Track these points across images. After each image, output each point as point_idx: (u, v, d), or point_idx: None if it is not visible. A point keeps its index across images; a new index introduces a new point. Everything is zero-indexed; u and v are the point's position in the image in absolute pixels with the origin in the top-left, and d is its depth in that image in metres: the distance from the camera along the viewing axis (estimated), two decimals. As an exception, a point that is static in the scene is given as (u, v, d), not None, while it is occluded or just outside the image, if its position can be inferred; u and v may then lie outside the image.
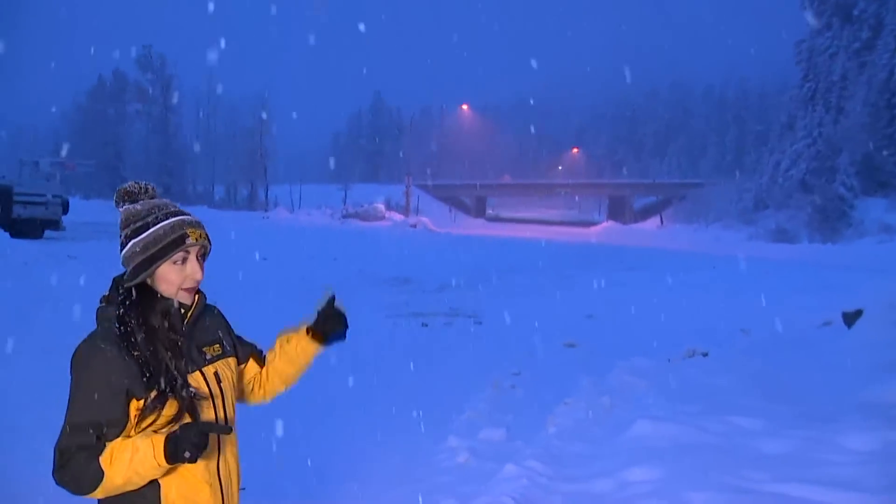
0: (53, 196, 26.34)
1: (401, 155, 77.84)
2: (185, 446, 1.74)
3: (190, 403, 1.87)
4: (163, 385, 1.83)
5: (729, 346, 9.25)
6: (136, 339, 1.84)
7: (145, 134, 68.39)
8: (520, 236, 44.93)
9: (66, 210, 26.86)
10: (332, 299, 2.21)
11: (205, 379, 1.96)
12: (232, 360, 2.10)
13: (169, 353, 1.88)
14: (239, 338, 2.20)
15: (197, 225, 1.97)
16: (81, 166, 45.04)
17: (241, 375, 2.20)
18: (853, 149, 43.50)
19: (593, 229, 63.02)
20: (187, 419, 1.86)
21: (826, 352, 7.67)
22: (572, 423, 6.10)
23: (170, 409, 1.84)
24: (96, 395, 1.80)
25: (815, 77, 51.34)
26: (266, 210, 62.10)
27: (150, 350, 1.84)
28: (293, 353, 2.23)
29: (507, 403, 6.89)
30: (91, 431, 1.78)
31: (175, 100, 67.68)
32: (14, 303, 9.78)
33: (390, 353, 8.86)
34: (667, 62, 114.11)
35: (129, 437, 1.81)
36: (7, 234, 19.10)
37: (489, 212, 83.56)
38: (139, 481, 1.81)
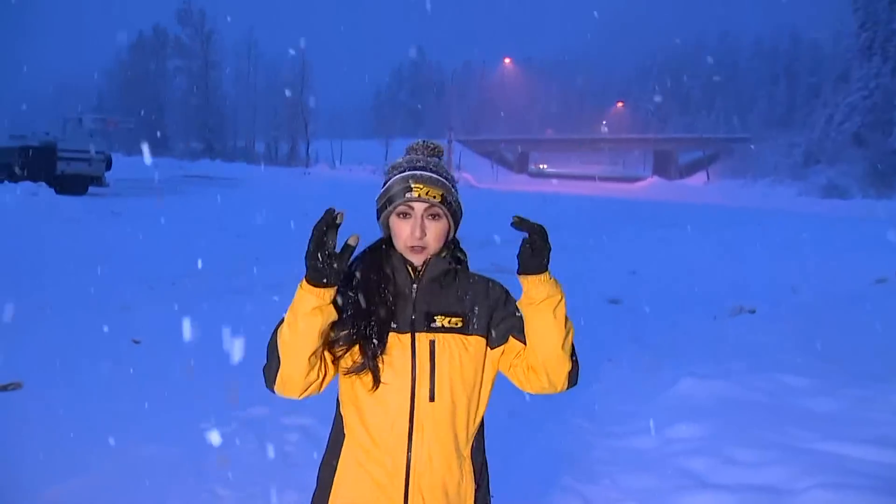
0: (97, 152, 26.71)
1: (442, 110, 77.40)
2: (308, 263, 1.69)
3: (371, 359, 1.80)
4: (353, 327, 1.81)
5: (777, 303, 9.09)
6: (356, 280, 1.85)
7: (186, 90, 68.86)
8: (563, 192, 44.54)
9: (109, 166, 27.25)
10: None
11: (412, 344, 1.85)
12: (474, 340, 1.89)
13: (380, 304, 1.84)
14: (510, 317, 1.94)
15: (429, 181, 1.86)
16: (123, 123, 45.58)
17: (500, 359, 1.96)
18: (911, 101, 42.15)
19: (638, 185, 62.32)
20: (368, 374, 1.82)
21: (879, 309, 7.50)
22: (615, 380, 6.08)
23: (355, 354, 1.83)
24: None
25: (872, 26, 49.52)
26: (307, 166, 62.30)
27: (361, 292, 1.83)
28: (524, 302, 1.89)
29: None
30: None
31: (215, 55, 67.88)
32: (60, 258, 9.99)
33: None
34: (715, 13, 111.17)
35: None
36: (52, 191, 19.51)
37: (532, 167, 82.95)
38: (295, 320, 1.72)
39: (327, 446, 1.95)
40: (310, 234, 1.68)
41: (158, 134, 64.44)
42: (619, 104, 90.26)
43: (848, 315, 7.69)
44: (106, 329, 6.72)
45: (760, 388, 5.33)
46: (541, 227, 1.85)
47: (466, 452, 1.92)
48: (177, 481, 3.99)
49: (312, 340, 1.73)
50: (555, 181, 61.39)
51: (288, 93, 62.58)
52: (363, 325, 1.81)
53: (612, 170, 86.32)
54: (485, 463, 2.00)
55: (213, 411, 4.71)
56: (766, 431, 4.43)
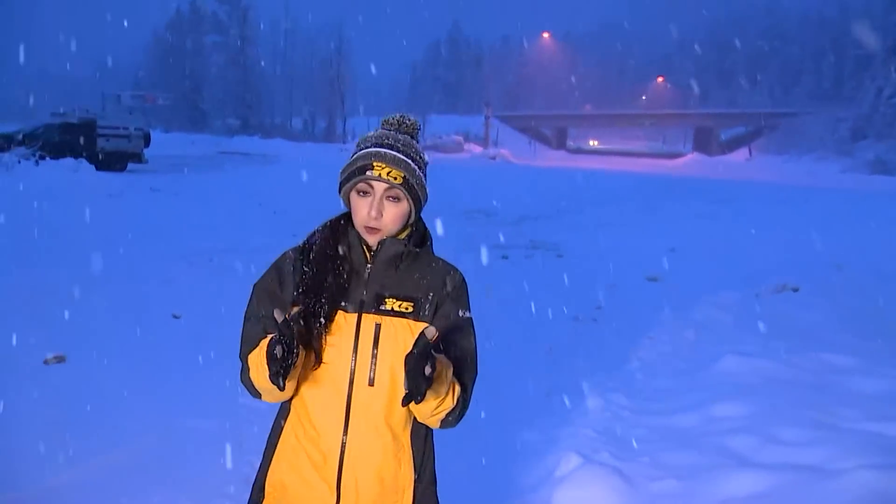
0: (136, 129, 27.05)
1: (479, 86, 76.92)
2: (269, 349, 1.62)
3: (304, 336, 1.71)
4: (303, 303, 1.77)
5: (821, 281, 8.90)
6: (311, 256, 1.82)
7: (223, 66, 69.13)
8: (602, 168, 44.14)
9: (147, 143, 27.57)
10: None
11: (357, 325, 1.79)
12: (423, 326, 1.73)
13: (333, 281, 1.80)
14: (457, 329, 1.85)
15: (392, 161, 1.79)
16: (161, 99, 46.01)
17: None
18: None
19: (678, 161, 61.53)
20: (311, 353, 1.77)
21: (927, 288, 7.33)
22: (656, 358, 6.03)
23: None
24: (259, 292, 1.86)
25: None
26: (344, 142, 62.38)
27: (314, 270, 1.80)
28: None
29: (589, 337, 6.83)
30: (252, 324, 1.83)
31: (252, 31, 68.06)
32: (101, 234, 10.12)
33: (470, 285, 8.84)
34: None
35: None
36: (92, 167, 19.79)
37: (570, 143, 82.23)
38: (265, 384, 1.71)
39: (274, 420, 1.93)
40: (274, 344, 1.62)
41: (195, 110, 65.04)
42: (660, 79, 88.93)
43: (894, 293, 7.52)
44: (146, 303, 6.81)
45: (804, 367, 5.24)
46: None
47: (405, 440, 1.87)
48: (217, 453, 4.03)
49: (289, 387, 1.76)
50: (594, 157, 60.84)
51: (325, 68, 62.57)
52: (312, 302, 1.76)
53: (652, 146, 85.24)
54: (428, 451, 1.92)
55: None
56: (809, 411, 4.35)
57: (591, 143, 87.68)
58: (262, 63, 72.53)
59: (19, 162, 18.64)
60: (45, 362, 5.38)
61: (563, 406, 4.87)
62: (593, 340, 6.77)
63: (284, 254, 1.89)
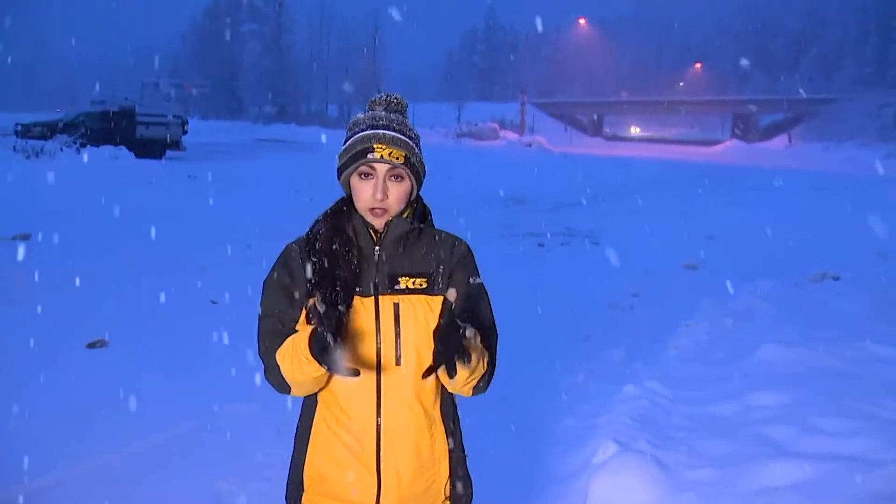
0: (174, 116, 27.33)
1: (515, 73, 76.46)
2: (313, 342, 1.64)
3: (334, 323, 1.65)
4: (318, 293, 1.75)
5: (863, 270, 8.75)
6: (318, 246, 1.82)
7: (259, 54, 69.50)
8: (638, 155, 43.75)
9: (185, 130, 27.83)
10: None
11: (376, 308, 1.81)
12: (439, 300, 1.84)
13: (344, 268, 1.79)
14: (471, 296, 1.85)
15: (392, 142, 1.81)
16: (198, 87, 46.43)
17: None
18: None
19: (716, 148, 60.69)
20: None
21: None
22: (693, 346, 5.97)
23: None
24: (271, 288, 1.85)
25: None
26: (379, 130, 62.32)
27: (324, 259, 1.79)
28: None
29: (625, 324, 6.80)
30: (272, 321, 1.82)
31: (288, 19, 68.31)
32: (141, 220, 10.27)
33: (506, 272, 8.84)
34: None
35: None
36: (132, 154, 20.06)
37: (606, 130, 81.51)
38: (302, 377, 1.74)
39: (301, 412, 1.93)
40: (316, 339, 1.63)
41: (232, 98, 65.53)
42: (698, 65, 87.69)
43: (940, 282, 7.37)
44: (185, 289, 6.91)
45: (846, 357, 5.15)
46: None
47: (435, 413, 1.89)
48: (257, 438, 4.09)
49: (321, 379, 1.76)
50: (630, 144, 60.19)
51: (361, 55, 62.59)
52: (328, 291, 1.75)
53: (690, 133, 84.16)
54: (456, 420, 1.95)
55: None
56: (851, 401, 4.28)
57: (632, 130, 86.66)
58: (299, 50, 72.85)
59: (61, 150, 18.99)
60: (89, 346, 5.49)
61: (599, 393, 4.87)
62: (630, 328, 6.73)
63: (288, 247, 1.88)
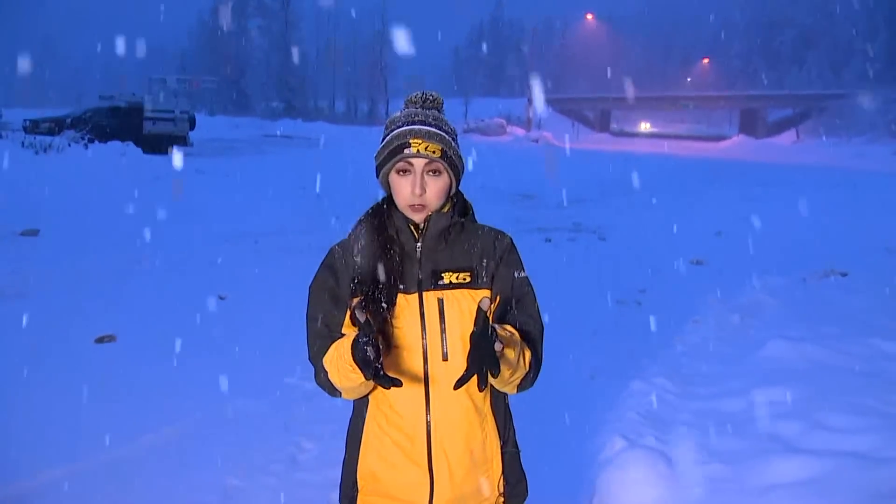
0: (181, 112, 27.38)
1: (522, 68, 76.29)
2: (355, 351, 1.62)
3: (378, 321, 1.71)
4: (362, 293, 1.77)
5: (871, 266, 8.72)
6: (360, 245, 1.82)
7: (266, 49, 69.56)
8: (646, 151, 43.63)
9: (192, 126, 27.89)
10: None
11: (420, 304, 1.79)
12: (484, 294, 1.82)
13: (387, 266, 1.79)
14: (517, 290, 1.87)
15: (427, 136, 1.79)
16: (205, 83, 46.48)
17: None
18: None
19: (723, 144, 60.47)
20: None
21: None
22: (700, 342, 5.97)
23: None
24: (316, 291, 1.85)
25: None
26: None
27: (366, 258, 1.80)
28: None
29: (632, 320, 6.78)
30: (318, 324, 1.82)
31: (295, 15, 68.33)
32: (148, 216, 10.29)
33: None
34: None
35: None
36: (139, 150, 20.11)
37: (614, 126, 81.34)
38: (349, 384, 1.74)
39: (352, 413, 1.93)
40: (358, 348, 1.60)
41: (239, 94, 65.61)
42: (705, 60, 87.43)
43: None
44: (193, 285, 6.93)
45: (853, 353, 5.14)
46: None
47: (486, 409, 1.88)
48: (264, 433, 4.10)
49: (369, 384, 1.74)
50: (637, 140, 60.03)
51: (368, 51, 62.55)
52: (372, 290, 1.76)
53: (697, 128, 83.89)
54: (508, 417, 1.95)
55: (298, 364, 4.79)
56: (859, 397, 4.27)
57: (642, 126, 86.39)
58: (306, 47, 72.87)
59: (69, 145, 19.01)
60: (98, 341, 5.51)
61: (607, 389, 4.86)
62: (637, 324, 6.71)
63: (331, 250, 1.88)
